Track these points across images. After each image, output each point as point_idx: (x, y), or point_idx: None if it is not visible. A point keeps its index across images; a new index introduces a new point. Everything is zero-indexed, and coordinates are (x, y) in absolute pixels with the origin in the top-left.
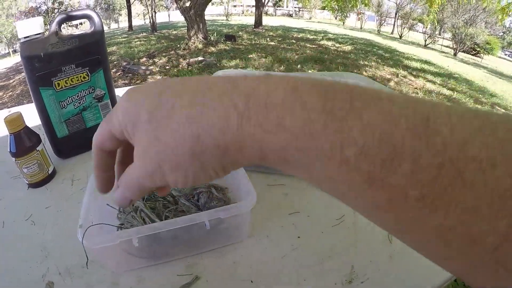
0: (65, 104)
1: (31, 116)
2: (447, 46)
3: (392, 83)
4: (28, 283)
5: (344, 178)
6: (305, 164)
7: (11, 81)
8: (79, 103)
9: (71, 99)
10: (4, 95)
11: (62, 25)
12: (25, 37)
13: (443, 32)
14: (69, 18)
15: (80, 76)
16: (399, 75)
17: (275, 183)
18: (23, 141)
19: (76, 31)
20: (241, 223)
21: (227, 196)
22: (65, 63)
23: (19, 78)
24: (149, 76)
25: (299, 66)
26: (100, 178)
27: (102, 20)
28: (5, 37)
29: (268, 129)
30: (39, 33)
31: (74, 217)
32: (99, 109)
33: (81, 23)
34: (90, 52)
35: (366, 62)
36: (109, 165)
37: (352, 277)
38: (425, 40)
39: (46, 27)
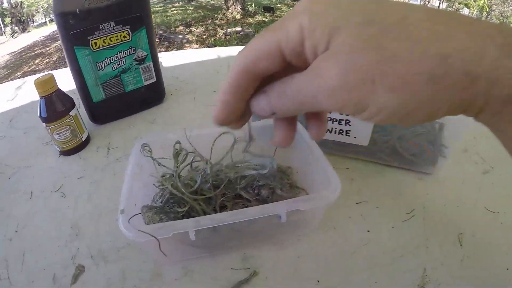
0: (103, 66)
1: (66, 81)
2: None
3: None
4: (56, 264)
5: None
6: None
7: (47, 48)
8: (118, 64)
9: (109, 60)
10: (41, 62)
11: None
12: None
13: (489, 19)
14: None
15: (120, 35)
16: None
17: (339, 166)
18: (54, 105)
19: None
20: (315, 215)
21: (291, 178)
22: (104, 20)
23: (55, 45)
24: (186, 45)
25: None
26: (228, 106)
27: None
28: (42, 7)
29: None
30: None
31: (109, 190)
32: (140, 72)
33: None
34: (132, 8)
35: None
36: (248, 93)
37: (425, 282)
38: None
39: None
